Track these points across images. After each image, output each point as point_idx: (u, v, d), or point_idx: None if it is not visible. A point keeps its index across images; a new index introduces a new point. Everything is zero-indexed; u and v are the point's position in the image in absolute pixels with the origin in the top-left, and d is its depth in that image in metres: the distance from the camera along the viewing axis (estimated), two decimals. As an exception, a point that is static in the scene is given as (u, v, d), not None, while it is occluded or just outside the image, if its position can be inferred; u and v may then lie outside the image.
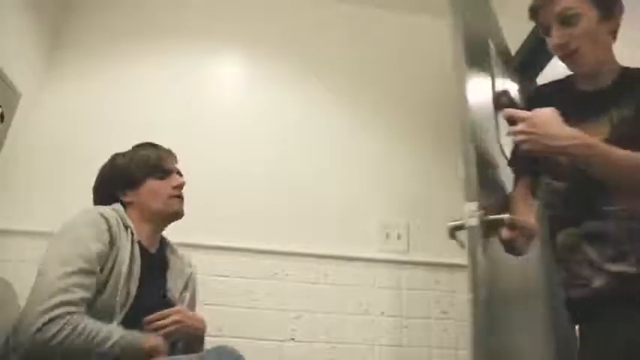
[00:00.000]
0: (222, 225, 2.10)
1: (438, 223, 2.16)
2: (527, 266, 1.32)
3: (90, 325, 1.09)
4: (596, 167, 1.05)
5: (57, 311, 1.06)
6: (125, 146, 2.25)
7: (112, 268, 1.20)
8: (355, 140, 2.39)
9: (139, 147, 1.48)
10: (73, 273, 1.12)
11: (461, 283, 2.17)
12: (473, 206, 1.08)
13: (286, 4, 2.61)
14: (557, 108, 1.16)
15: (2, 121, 1.87)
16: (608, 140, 1.07)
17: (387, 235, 2.22)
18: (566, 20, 1.13)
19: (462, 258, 2.12)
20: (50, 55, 2.27)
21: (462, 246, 1.12)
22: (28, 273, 1.47)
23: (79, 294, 1.11)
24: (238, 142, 2.28)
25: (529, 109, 1.23)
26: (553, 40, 1.16)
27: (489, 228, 1.09)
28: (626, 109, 1.09)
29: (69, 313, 1.08)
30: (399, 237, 2.22)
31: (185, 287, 1.43)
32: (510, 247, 1.12)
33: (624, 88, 1.13)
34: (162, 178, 1.41)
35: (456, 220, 1.12)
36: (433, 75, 2.44)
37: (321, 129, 2.39)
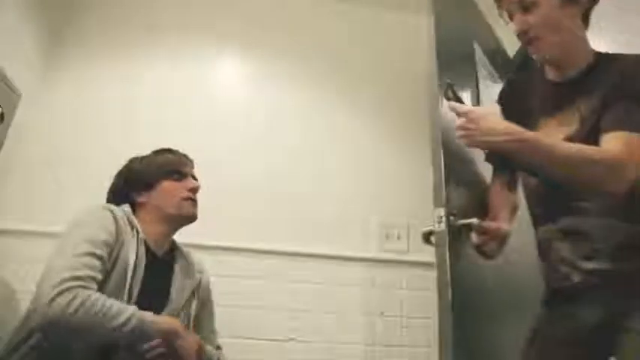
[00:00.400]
0: (223, 225, 2.09)
1: (438, 223, 2.18)
2: (506, 268, 1.32)
3: (102, 298, 1.09)
4: (535, 162, 1.04)
5: (67, 284, 1.07)
6: (125, 146, 2.25)
7: (117, 258, 1.20)
8: (355, 140, 2.39)
9: (157, 152, 1.49)
10: (82, 255, 1.13)
11: (461, 283, 2.17)
12: (441, 212, 1.12)
13: (286, 4, 2.61)
14: (527, 100, 1.16)
15: (2, 121, 1.87)
16: (576, 134, 1.04)
17: (387, 235, 2.22)
18: (526, 6, 1.08)
19: (462, 258, 2.12)
20: (50, 55, 2.27)
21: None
22: (28, 273, 1.48)
23: (89, 272, 1.12)
24: (238, 142, 2.28)
25: (501, 102, 1.24)
26: (514, 27, 1.11)
27: (462, 232, 1.11)
28: (596, 98, 1.04)
29: (80, 286, 1.08)
30: (399, 237, 2.22)
31: (192, 295, 1.41)
32: (480, 251, 1.12)
33: (596, 77, 1.06)
34: (178, 180, 1.42)
35: (428, 226, 1.16)
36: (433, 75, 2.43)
37: (321, 129, 2.39)
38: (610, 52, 1.12)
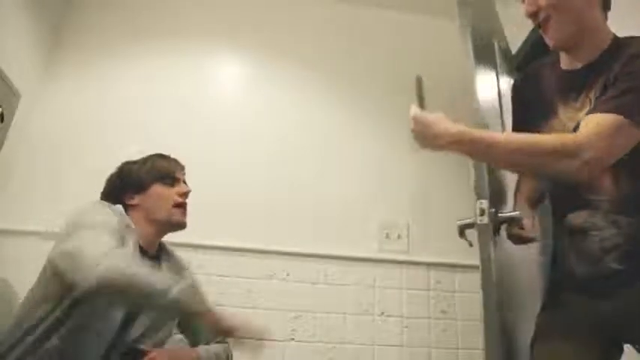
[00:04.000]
0: (223, 225, 2.10)
1: (438, 223, 2.19)
2: (532, 263, 1.32)
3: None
4: (482, 160, 1.06)
5: (112, 250, 1.11)
6: (125, 146, 2.25)
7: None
8: (355, 140, 2.39)
9: (149, 156, 1.50)
10: (105, 234, 1.17)
11: (461, 283, 2.17)
12: (484, 204, 1.08)
13: (286, 5, 2.61)
14: (543, 91, 1.14)
15: (2, 121, 1.87)
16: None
17: (387, 235, 2.22)
18: None
19: (462, 258, 2.14)
20: (50, 55, 2.27)
21: (471, 244, 1.12)
22: (28, 273, 1.47)
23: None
24: (238, 143, 2.28)
25: (516, 95, 1.23)
26: (525, 7, 1.06)
27: (499, 226, 1.09)
28: (602, 82, 1.00)
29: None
30: (399, 237, 2.22)
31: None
32: (520, 241, 1.11)
33: (607, 63, 1.01)
34: (169, 185, 1.43)
35: (464, 219, 1.12)
36: (434, 75, 2.42)
37: (321, 129, 2.39)
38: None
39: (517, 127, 1.22)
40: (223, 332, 1.27)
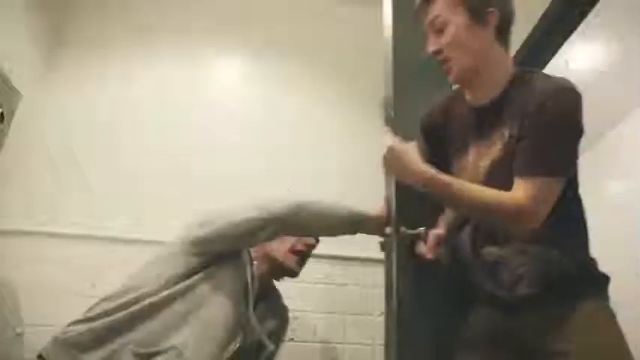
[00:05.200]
0: (222, 225, 2.09)
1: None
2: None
3: None
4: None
5: None
6: (124, 146, 2.26)
7: None
8: (355, 140, 2.39)
9: None
10: None
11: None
12: (388, 230, 1.20)
13: (286, 5, 2.61)
14: (451, 127, 1.18)
15: (2, 121, 1.87)
16: (499, 159, 1.05)
17: (387, 235, 2.22)
18: (438, 28, 1.09)
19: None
20: (50, 55, 2.27)
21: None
22: (28, 273, 1.48)
23: None
24: (238, 142, 2.27)
25: (425, 131, 1.26)
26: (427, 45, 1.13)
27: (413, 240, 1.17)
28: (513, 125, 1.04)
29: None
30: (399, 237, 2.22)
31: None
32: (425, 257, 1.15)
33: (512, 102, 1.06)
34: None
35: (384, 237, 1.24)
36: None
37: (321, 129, 2.39)
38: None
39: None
40: None
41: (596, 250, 1.08)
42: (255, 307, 1.40)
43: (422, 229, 1.16)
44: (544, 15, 1.96)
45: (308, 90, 2.47)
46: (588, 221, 1.08)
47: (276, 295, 1.60)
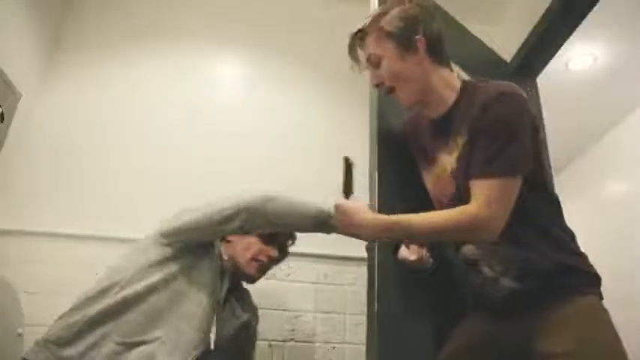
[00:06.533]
0: (222, 225, 2.09)
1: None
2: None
3: None
4: (410, 240, 1.16)
5: None
6: (124, 146, 2.26)
7: None
8: (355, 140, 2.39)
9: None
10: None
11: (461, 283, 2.17)
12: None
13: (286, 4, 2.61)
14: (421, 139, 1.25)
15: (2, 121, 1.88)
16: (457, 169, 1.09)
17: (387, 235, 2.22)
18: (374, 62, 1.17)
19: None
20: (50, 55, 2.27)
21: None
22: (28, 273, 1.48)
23: None
24: (238, 143, 2.27)
25: (406, 140, 1.34)
26: (370, 79, 1.21)
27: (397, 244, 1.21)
28: (464, 132, 1.08)
29: None
30: (399, 237, 2.22)
31: None
32: (407, 261, 1.21)
33: (462, 110, 1.12)
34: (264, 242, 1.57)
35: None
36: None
37: (320, 129, 2.39)
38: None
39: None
40: None
41: (595, 250, 1.09)
42: (226, 300, 1.47)
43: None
44: (544, 15, 1.96)
45: (307, 91, 2.47)
46: (588, 221, 1.08)
47: (246, 292, 1.67)
